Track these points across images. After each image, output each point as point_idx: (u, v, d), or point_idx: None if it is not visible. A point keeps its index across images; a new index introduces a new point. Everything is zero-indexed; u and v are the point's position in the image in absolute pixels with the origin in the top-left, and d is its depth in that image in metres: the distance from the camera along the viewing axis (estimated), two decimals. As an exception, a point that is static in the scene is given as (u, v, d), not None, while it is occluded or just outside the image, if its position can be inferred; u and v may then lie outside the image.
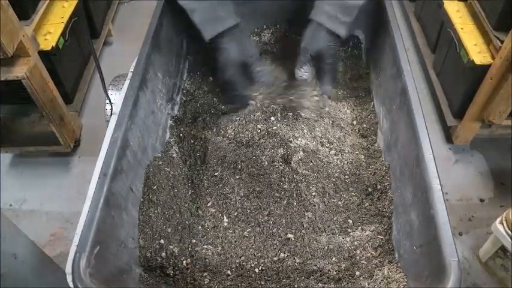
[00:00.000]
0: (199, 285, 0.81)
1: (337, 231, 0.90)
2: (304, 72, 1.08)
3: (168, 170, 0.96)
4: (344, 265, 0.83)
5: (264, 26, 1.35)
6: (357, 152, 1.05)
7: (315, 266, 0.84)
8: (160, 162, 0.96)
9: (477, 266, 1.41)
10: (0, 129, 1.62)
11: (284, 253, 0.86)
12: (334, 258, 0.85)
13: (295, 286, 0.80)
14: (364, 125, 1.11)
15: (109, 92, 1.19)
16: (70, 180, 1.72)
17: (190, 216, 0.92)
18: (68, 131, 1.65)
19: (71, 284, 0.65)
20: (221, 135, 1.07)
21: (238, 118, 1.09)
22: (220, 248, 0.87)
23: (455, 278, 0.61)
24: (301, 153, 1.01)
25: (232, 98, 1.13)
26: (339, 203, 0.94)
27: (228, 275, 0.83)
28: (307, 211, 0.92)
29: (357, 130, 1.10)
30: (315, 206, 0.93)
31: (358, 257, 0.85)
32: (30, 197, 1.67)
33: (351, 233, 0.89)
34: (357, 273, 0.82)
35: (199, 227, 0.91)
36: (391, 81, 0.99)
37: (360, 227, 0.90)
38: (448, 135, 1.77)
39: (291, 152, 1.00)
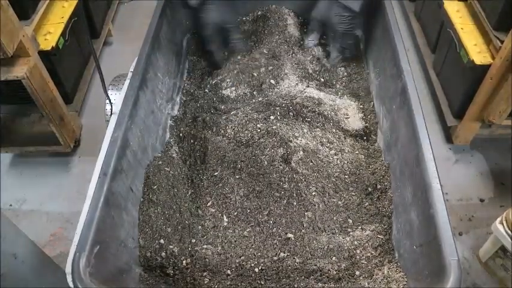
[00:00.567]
0: (199, 285, 0.81)
1: (337, 231, 0.89)
2: (310, 40, 1.17)
3: (168, 169, 0.96)
4: (344, 265, 0.83)
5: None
6: (357, 152, 1.05)
7: (315, 265, 0.84)
8: (160, 162, 0.96)
9: (477, 266, 1.41)
10: (0, 129, 1.62)
11: (284, 253, 0.86)
12: (334, 258, 0.85)
13: (295, 286, 0.80)
14: (365, 125, 1.11)
15: (109, 92, 1.19)
16: (70, 180, 1.71)
17: (190, 216, 0.92)
18: (68, 131, 1.65)
19: (71, 284, 0.65)
20: (221, 135, 1.07)
21: (237, 118, 1.09)
22: (220, 247, 0.87)
23: (455, 278, 0.61)
24: (301, 152, 1.01)
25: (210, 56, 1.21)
26: (339, 202, 0.94)
27: (228, 275, 0.83)
28: (307, 211, 0.92)
29: (357, 130, 1.10)
30: (315, 205, 0.93)
31: (358, 257, 0.85)
32: (30, 197, 1.67)
33: (351, 233, 0.89)
34: (357, 272, 0.82)
35: (199, 226, 0.91)
36: (391, 81, 0.99)
37: (360, 227, 0.90)
38: (448, 135, 1.77)
39: (290, 151, 1.00)
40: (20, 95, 1.46)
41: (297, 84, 1.17)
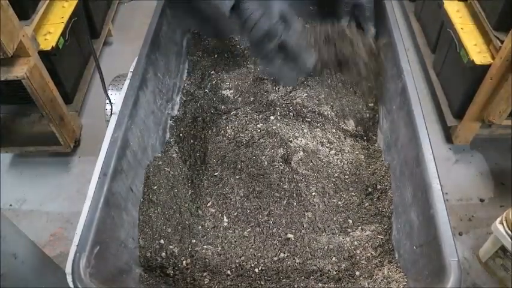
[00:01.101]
0: (199, 285, 0.81)
1: (337, 231, 0.89)
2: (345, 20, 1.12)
3: (168, 170, 0.96)
4: (344, 265, 0.83)
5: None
6: (357, 152, 1.05)
7: (315, 266, 0.84)
8: (160, 162, 0.96)
9: (477, 266, 1.41)
10: (0, 129, 1.62)
11: (284, 253, 0.86)
12: (334, 258, 0.85)
13: (295, 286, 0.80)
14: (365, 125, 1.11)
15: (109, 92, 1.19)
16: (70, 180, 1.71)
17: (190, 216, 0.92)
18: (68, 131, 1.65)
19: (71, 284, 0.65)
20: (221, 135, 1.07)
21: (237, 118, 1.09)
22: (220, 248, 0.87)
23: (455, 278, 0.61)
24: (301, 153, 1.01)
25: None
26: (339, 203, 0.94)
27: (228, 275, 0.83)
28: (307, 211, 0.92)
29: (357, 130, 1.10)
30: (315, 206, 0.93)
31: (358, 257, 0.85)
32: (30, 197, 1.67)
33: (351, 233, 0.89)
34: (357, 273, 0.82)
35: (199, 227, 0.91)
36: (391, 81, 0.99)
37: (360, 227, 0.90)
38: (448, 135, 1.77)
39: (291, 151, 1.00)
40: (20, 95, 1.46)
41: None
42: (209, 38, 1.30)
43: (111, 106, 1.04)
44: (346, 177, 0.99)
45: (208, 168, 1.00)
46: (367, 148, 1.06)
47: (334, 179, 0.97)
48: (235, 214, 0.92)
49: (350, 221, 0.91)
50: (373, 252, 0.85)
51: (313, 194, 0.94)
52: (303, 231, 0.89)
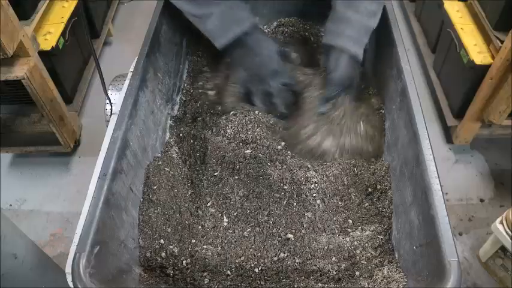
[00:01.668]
0: (199, 285, 0.81)
1: (337, 231, 0.89)
2: (326, 106, 1.00)
3: (168, 170, 0.96)
4: (344, 265, 0.83)
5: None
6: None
7: (315, 266, 0.84)
8: (160, 162, 0.96)
9: (477, 266, 1.41)
10: (0, 129, 1.62)
11: (284, 253, 0.86)
12: (334, 258, 0.85)
13: (295, 286, 0.80)
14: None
15: (109, 92, 1.19)
16: (70, 180, 1.72)
17: (190, 216, 0.92)
18: (68, 131, 1.65)
19: (71, 284, 0.65)
20: (221, 135, 1.07)
21: (237, 118, 1.09)
22: (220, 248, 0.87)
23: (455, 278, 0.61)
24: (301, 153, 1.00)
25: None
26: (339, 203, 0.94)
27: (228, 275, 0.83)
28: (307, 211, 0.92)
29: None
30: (314, 206, 0.93)
31: (358, 257, 0.85)
32: (30, 197, 1.67)
33: (351, 233, 0.89)
34: (357, 273, 0.82)
35: (199, 227, 0.91)
36: (391, 81, 0.99)
37: (359, 227, 0.90)
38: (448, 135, 1.77)
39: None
40: (20, 95, 1.46)
41: None
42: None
43: (111, 106, 1.04)
44: (347, 177, 0.99)
45: (208, 168, 1.00)
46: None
47: (334, 179, 0.97)
48: (235, 214, 0.92)
49: (350, 221, 0.91)
50: (373, 252, 0.85)
51: (313, 194, 0.94)
52: (303, 231, 0.90)
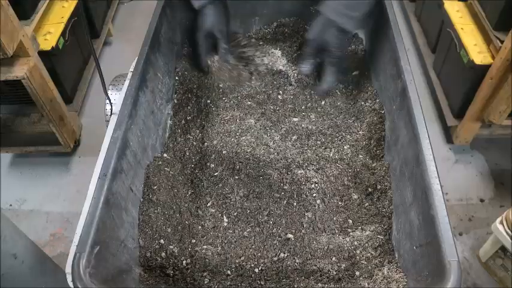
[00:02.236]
0: (199, 285, 0.81)
1: (337, 231, 0.89)
2: (305, 66, 1.08)
3: (168, 170, 0.96)
4: (344, 265, 0.83)
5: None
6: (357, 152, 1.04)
7: (315, 266, 0.84)
8: (160, 162, 0.96)
9: (477, 266, 1.41)
10: (0, 129, 1.62)
11: (284, 253, 0.86)
12: (334, 258, 0.85)
13: (295, 286, 0.80)
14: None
15: (109, 92, 1.19)
16: (70, 180, 1.72)
17: (190, 216, 0.92)
18: (68, 131, 1.65)
19: (70, 284, 0.65)
20: (220, 134, 1.07)
21: (237, 119, 1.09)
22: (220, 248, 0.87)
23: (455, 278, 0.61)
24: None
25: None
26: (339, 203, 0.94)
27: (228, 275, 0.83)
28: (307, 211, 0.92)
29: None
30: (314, 206, 0.93)
31: (358, 257, 0.85)
32: (30, 197, 1.67)
33: (351, 233, 0.89)
34: (357, 273, 0.82)
35: (199, 227, 0.91)
36: (391, 81, 0.99)
37: (360, 227, 0.90)
38: (448, 135, 1.77)
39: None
40: (20, 95, 1.46)
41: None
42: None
43: (111, 106, 1.04)
44: (346, 177, 0.99)
45: (208, 168, 1.00)
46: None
47: (334, 179, 0.97)
48: (235, 214, 0.92)
49: (350, 221, 0.91)
50: (373, 252, 0.85)
51: (313, 194, 0.94)
52: (303, 231, 0.90)
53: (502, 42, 1.38)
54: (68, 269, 0.67)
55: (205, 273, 0.83)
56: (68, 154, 1.75)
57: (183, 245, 0.87)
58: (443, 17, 1.71)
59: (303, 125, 1.08)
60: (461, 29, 1.59)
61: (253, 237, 0.89)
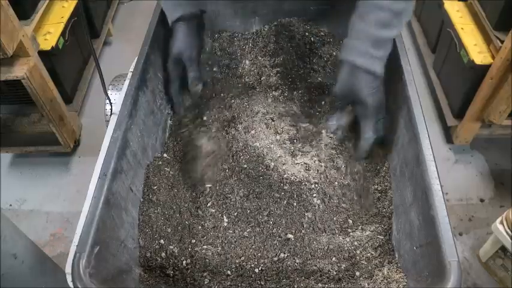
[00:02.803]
0: (199, 285, 0.81)
1: (337, 232, 0.89)
2: (333, 123, 0.96)
3: (168, 170, 0.96)
4: (344, 265, 0.83)
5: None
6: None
7: (315, 266, 0.84)
8: (160, 162, 0.96)
9: (477, 266, 1.41)
10: (0, 129, 1.63)
11: (284, 253, 0.86)
12: (334, 259, 0.85)
13: (295, 286, 0.80)
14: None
15: (109, 92, 1.19)
16: (70, 180, 1.72)
17: (190, 216, 0.92)
18: (68, 131, 1.65)
19: (70, 284, 0.65)
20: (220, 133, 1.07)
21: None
22: (220, 248, 0.87)
23: (455, 278, 0.61)
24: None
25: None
26: (339, 203, 0.94)
27: (228, 275, 0.83)
28: (307, 211, 0.92)
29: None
30: (315, 206, 0.93)
31: (358, 257, 0.85)
32: (30, 197, 1.67)
33: (351, 233, 0.89)
34: (357, 273, 0.82)
35: (199, 227, 0.91)
36: (391, 81, 0.99)
37: (360, 227, 0.90)
38: (448, 135, 1.77)
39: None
40: (19, 95, 1.46)
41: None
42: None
43: (111, 106, 1.04)
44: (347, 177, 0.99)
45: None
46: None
47: (334, 179, 0.97)
48: (235, 214, 0.92)
49: (350, 221, 0.91)
50: (373, 253, 0.85)
51: (313, 194, 0.94)
52: (303, 231, 0.89)
53: (502, 42, 1.38)
54: (68, 269, 0.67)
55: (205, 274, 0.83)
56: (68, 154, 1.75)
57: (183, 245, 0.87)
58: (443, 17, 1.71)
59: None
60: (461, 28, 1.59)
61: (253, 237, 0.89)
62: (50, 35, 1.60)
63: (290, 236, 0.89)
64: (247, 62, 1.22)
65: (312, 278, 0.81)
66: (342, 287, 0.80)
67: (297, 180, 0.95)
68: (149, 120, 0.96)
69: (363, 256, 0.85)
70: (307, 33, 1.29)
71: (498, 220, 1.23)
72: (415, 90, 0.87)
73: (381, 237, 0.87)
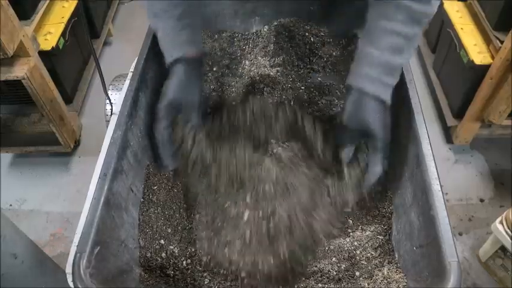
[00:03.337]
0: (199, 285, 0.81)
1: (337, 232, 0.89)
2: (347, 154, 0.88)
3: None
4: (344, 265, 0.83)
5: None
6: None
7: (315, 266, 0.84)
8: (161, 162, 0.96)
9: (477, 266, 1.41)
10: (0, 129, 1.63)
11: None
12: (334, 259, 0.85)
13: (295, 286, 0.80)
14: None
15: (109, 92, 1.19)
16: (70, 180, 1.72)
17: (190, 216, 0.92)
18: (68, 131, 1.65)
19: (71, 284, 0.65)
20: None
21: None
22: (220, 248, 0.87)
23: (455, 279, 0.61)
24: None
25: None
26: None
27: (228, 275, 0.83)
28: (307, 211, 0.92)
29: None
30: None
31: (358, 258, 0.85)
32: (30, 197, 1.67)
33: (351, 233, 0.89)
34: (357, 273, 0.82)
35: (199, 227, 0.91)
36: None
37: (360, 227, 0.90)
38: (448, 135, 1.77)
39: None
40: (20, 95, 1.46)
41: None
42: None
43: (111, 106, 1.04)
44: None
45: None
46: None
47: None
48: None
49: (350, 221, 0.91)
50: (373, 253, 0.85)
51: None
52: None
53: (501, 42, 1.38)
54: (69, 269, 0.67)
55: (205, 274, 0.83)
56: (68, 154, 1.75)
57: (183, 245, 0.87)
58: (443, 17, 1.71)
59: None
60: (461, 29, 1.59)
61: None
62: (51, 35, 1.60)
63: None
64: (247, 62, 1.22)
65: (312, 278, 0.81)
66: (342, 287, 0.80)
67: None
68: (149, 120, 0.96)
69: (362, 256, 0.85)
70: (307, 33, 1.29)
71: (498, 220, 1.23)
72: (415, 90, 0.87)
73: (381, 237, 0.87)
